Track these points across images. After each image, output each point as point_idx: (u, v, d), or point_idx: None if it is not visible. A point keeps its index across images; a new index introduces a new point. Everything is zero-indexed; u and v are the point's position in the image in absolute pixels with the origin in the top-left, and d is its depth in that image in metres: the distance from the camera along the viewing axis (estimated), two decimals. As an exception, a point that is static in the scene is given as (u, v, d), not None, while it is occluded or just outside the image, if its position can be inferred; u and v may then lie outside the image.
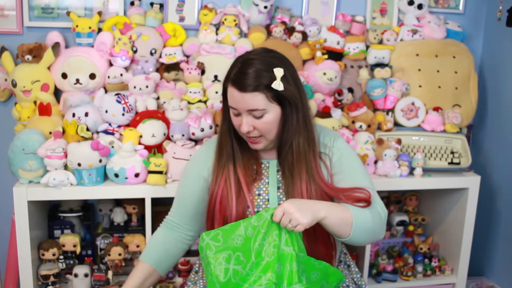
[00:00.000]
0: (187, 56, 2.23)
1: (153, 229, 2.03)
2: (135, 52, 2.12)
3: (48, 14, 2.16)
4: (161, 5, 2.21)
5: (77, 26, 2.08)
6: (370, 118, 2.22)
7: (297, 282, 1.24)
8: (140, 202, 2.08)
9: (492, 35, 2.55)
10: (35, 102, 2.04)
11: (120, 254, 2.04)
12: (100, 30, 2.13)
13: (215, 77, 2.16)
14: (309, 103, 2.13)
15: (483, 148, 2.60)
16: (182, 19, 2.25)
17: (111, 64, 2.11)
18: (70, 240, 2.04)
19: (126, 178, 1.90)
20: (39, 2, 2.14)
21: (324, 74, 2.21)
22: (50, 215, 2.15)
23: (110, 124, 2.00)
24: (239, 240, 1.30)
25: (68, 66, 2.05)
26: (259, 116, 1.39)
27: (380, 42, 2.37)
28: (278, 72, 1.37)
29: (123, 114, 1.98)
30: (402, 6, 2.42)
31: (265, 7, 2.20)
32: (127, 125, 2.01)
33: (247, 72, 1.36)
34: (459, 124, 2.29)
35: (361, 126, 2.22)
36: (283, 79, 1.37)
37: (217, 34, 2.22)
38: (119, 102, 1.97)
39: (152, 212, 1.96)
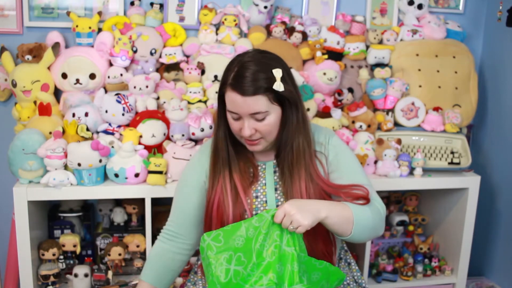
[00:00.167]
0: (187, 56, 2.23)
1: (153, 229, 2.03)
2: (135, 52, 2.12)
3: (48, 14, 2.16)
4: (161, 5, 2.21)
5: (77, 26, 2.08)
6: (370, 118, 2.22)
7: (298, 283, 1.24)
8: (140, 202, 2.08)
9: (492, 35, 2.55)
10: (35, 102, 2.04)
11: (120, 254, 2.04)
12: (100, 30, 2.13)
13: (215, 77, 2.16)
14: (309, 103, 2.16)
15: (483, 148, 2.60)
16: (182, 19, 2.25)
17: (111, 64, 2.11)
18: (70, 240, 2.04)
19: (126, 178, 1.90)
20: (39, 2, 2.14)
21: (324, 74, 2.21)
22: (50, 215, 2.15)
23: (110, 124, 2.00)
24: (240, 241, 1.30)
25: (68, 66, 2.05)
26: (261, 118, 1.38)
27: (380, 42, 2.37)
28: (277, 73, 1.36)
29: (123, 114, 1.98)
30: (402, 6, 2.42)
31: (265, 7, 2.20)
32: (127, 125, 2.01)
33: (246, 75, 1.34)
34: (459, 124, 2.29)
35: (361, 126, 2.22)
36: (282, 79, 1.36)
37: (217, 34, 2.22)
38: (119, 102, 1.97)
39: (152, 212, 1.96)
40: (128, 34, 2.10)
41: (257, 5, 2.20)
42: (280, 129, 1.44)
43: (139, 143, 1.96)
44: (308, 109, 2.15)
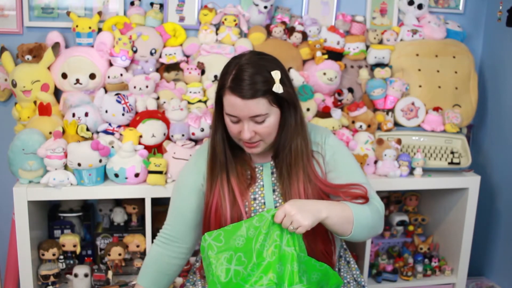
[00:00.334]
0: (187, 56, 2.23)
1: (153, 229, 2.03)
2: (135, 52, 2.12)
3: (48, 14, 2.16)
4: (161, 5, 2.21)
5: (77, 26, 2.08)
6: (370, 118, 2.22)
7: (298, 283, 1.24)
8: (140, 202, 2.08)
9: (492, 35, 2.55)
10: (35, 102, 2.04)
11: (120, 254, 2.04)
12: (100, 30, 2.13)
13: (215, 77, 2.16)
14: (309, 103, 2.16)
15: (483, 148, 2.60)
16: (182, 19, 2.25)
17: (111, 64, 2.11)
18: (70, 240, 2.04)
19: (126, 178, 1.90)
20: (39, 2, 2.14)
21: (324, 74, 2.21)
22: (50, 215, 2.15)
23: (110, 124, 2.00)
24: (241, 241, 1.30)
25: (68, 66, 2.05)
26: (261, 121, 1.38)
27: (380, 42, 2.37)
28: (276, 75, 1.36)
29: (123, 114, 1.98)
30: (402, 6, 2.42)
31: (265, 7, 2.20)
32: (127, 125, 2.01)
33: (245, 78, 1.33)
34: (459, 124, 2.29)
35: (361, 126, 2.22)
36: (280, 81, 1.36)
37: (217, 34, 2.22)
38: (119, 102, 1.97)
39: (152, 212, 1.96)
40: (128, 34, 2.10)
41: (257, 5, 2.20)
42: (279, 131, 1.44)
43: (139, 143, 1.96)
44: (308, 109, 2.15)
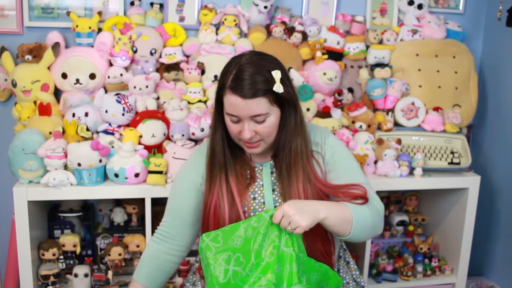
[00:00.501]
0: (187, 56, 2.23)
1: (153, 229, 2.03)
2: (135, 52, 2.12)
3: (48, 14, 2.16)
4: (161, 5, 2.21)
5: (77, 26, 2.08)
6: (370, 118, 2.22)
7: (297, 283, 1.24)
8: (140, 202, 2.08)
9: (492, 35, 2.55)
10: (35, 102, 2.04)
11: (120, 254, 2.04)
12: (100, 30, 2.13)
13: (215, 77, 2.16)
14: (309, 103, 2.16)
15: (483, 148, 2.60)
16: (182, 19, 2.25)
17: (111, 64, 2.11)
18: (70, 240, 2.04)
19: (126, 178, 1.90)
20: (39, 2, 2.14)
21: (324, 74, 2.21)
22: (50, 215, 2.15)
23: (110, 124, 2.00)
24: (239, 241, 1.30)
25: (68, 66, 2.05)
26: (262, 121, 1.38)
27: (380, 42, 2.37)
28: (276, 74, 1.36)
29: (123, 114, 1.98)
30: (402, 6, 2.42)
31: (265, 7, 2.20)
32: (127, 125, 2.01)
33: (246, 78, 1.33)
34: (459, 124, 2.29)
35: (361, 126, 2.22)
36: (281, 81, 1.36)
37: (217, 34, 2.22)
38: (119, 102, 1.97)
39: (152, 212, 1.96)
40: (128, 34, 2.10)
41: (257, 5, 2.20)
42: (279, 131, 1.44)
43: (139, 143, 1.96)
44: (308, 109, 2.15)
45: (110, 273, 2.02)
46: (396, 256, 2.42)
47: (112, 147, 1.92)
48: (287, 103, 1.41)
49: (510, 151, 2.43)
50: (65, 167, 1.88)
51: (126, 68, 2.12)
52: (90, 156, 1.84)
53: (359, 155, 2.11)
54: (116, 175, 1.89)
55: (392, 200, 2.50)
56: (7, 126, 2.16)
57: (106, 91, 2.07)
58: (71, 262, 2.09)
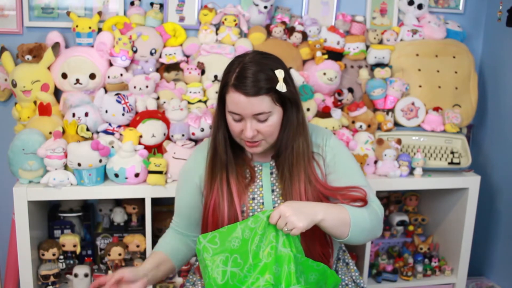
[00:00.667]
0: (187, 56, 2.23)
1: (153, 229, 2.03)
2: (135, 52, 2.12)
3: (48, 14, 2.16)
4: (161, 5, 2.21)
5: (77, 26, 2.08)
6: (370, 118, 2.22)
7: (296, 283, 1.24)
8: (140, 202, 2.09)
9: (492, 35, 2.55)
10: (35, 102, 2.04)
11: (120, 254, 2.04)
12: (100, 30, 2.13)
13: (215, 77, 2.16)
14: (309, 103, 2.16)
15: (483, 148, 2.60)
16: (182, 19, 2.25)
17: (111, 64, 2.11)
18: (70, 240, 2.04)
19: (126, 178, 1.90)
20: (39, 2, 2.14)
21: (324, 74, 2.21)
22: (50, 215, 2.15)
23: (110, 124, 2.00)
24: (236, 242, 1.29)
25: (68, 66, 2.05)
26: (264, 119, 1.38)
27: (380, 42, 2.37)
28: (280, 73, 1.36)
29: (123, 114, 1.98)
30: (402, 6, 2.42)
31: (265, 7, 2.20)
32: (127, 125, 2.01)
33: (249, 76, 1.34)
34: (459, 124, 2.30)
35: (361, 126, 2.22)
36: (284, 80, 1.37)
37: (217, 34, 2.22)
38: (119, 102, 1.97)
39: (152, 212, 1.96)
40: (128, 34, 2.10)
41: (257, 5, 2.20)
42: (280, 131, 1.44)
43: (139, 143, 1.96)
44: (308, 109, 2.15)
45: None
46: (396, 256, 2.42)
47: (112, 147, 1.92)
48: (290, 102, 1.41)
49: (510, 151, 2.43)
50: (65, 167, 1.88)
51: (126, 68, 2.12)
52: (90, 156, 1.84)
53: (359, 155, 2.11)
54: (116, 175, 1.89)
55: (392, 200, 2.50)
56: (7, 126, 2.16)
57: (106, 91, 2.07)
58: (71, 262, 2.09)
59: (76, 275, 2.00)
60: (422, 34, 2.38)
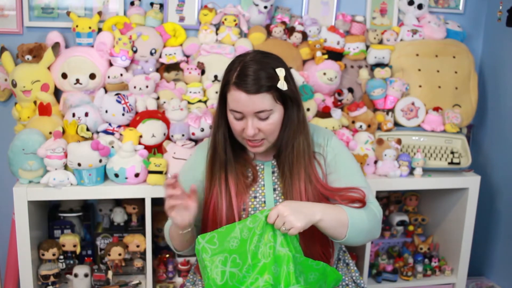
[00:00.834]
0: (187, 56, 2.23)
1: (153, 229, 2.03)
2: (135, 52, 2.12)
3: (48, 14, 2.16)
4: (161, 5, 2.21)
5: (77, 26, 2.08)
6: (370, 118, 2.22)
7: (295, 283, 1.24)
8: (140, 202, 2.08)
9: (492, 35, 2.55)
10: (35, 102, 2.04)
11: (120, 254, 2.04)
12: (100, 30, 2.13)
13: (215, 77, 2.16)
14: (309, 103, 2.16)
15: (483, 148, 2.60)
16: (182, 19, 2.25)
17: (111, 64, 2.11)
18: (70, 240, 2.04)
19: (126, 178, 1.90)
20: (39, 2, 2.14)
21: (324, 74, 2.21)
22: (50, 215, 2.15)
23: (110, 124, 2.00)
24: (235, 242, 1.29)
25: (68, 66, 2.05)
26: (265, 117, 1.38)
27: (380, 42, 2.37)
28: (281, 72, 1.37)
29: (123, 114, 1.98)
30: (402, 6, 2.42)
31: (265, 7, 2.20)
32: (127, 125, 2.01)
33: (250, 74, 1.35)
34: (459, 124, 2.29)
35: (361, 126, 2.22)
36: (284, 78, 1.37)
37: (217, 34, 2.22)
38: (119, 102, 1.97)
39: (152, 212, 1.96)
40: (128, 34, 2.10)
41: (257, 5, 2.20)
42: (281, 129, 1.44)
43: (139, 143, 1.96)
44: (308, 109, 2.15)
45: (110, 273, 2.02)
46: (396, 256, 2.42)
47: (112, 147, 1.92)
48: (291, 101, 1.41)
49: (510, 151, 2.43)
50: (65, 167, 1.88)
51: (126, 68, 2.12)
52: (90, 156, 1.84)
53: (359, 155, 2.11)
54: (116, 175, 1.89)
55: (392, 200, 2.50)
56: (7, 126, 2.16)
57: (106, 91, 2.07)
58: (71, 262, 2.09)
59: (76, 275, 2.00)
60: (422, 34, 2.38)
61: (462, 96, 2.37)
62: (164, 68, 2.17)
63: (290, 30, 2.26)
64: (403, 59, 2.34)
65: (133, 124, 2.00)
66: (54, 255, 2.00)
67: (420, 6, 2.40)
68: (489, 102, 2.55)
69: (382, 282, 2.29)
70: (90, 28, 2.08)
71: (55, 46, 2.05)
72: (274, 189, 1.49)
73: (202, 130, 2.01)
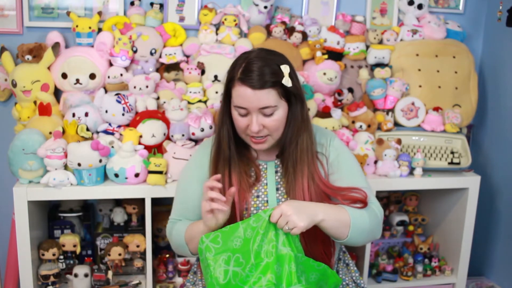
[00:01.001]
0: (187, 56, 2.23)
1: (153, 229, 2.03)
2: (135, 52, 2.12)
3: (48, 14, 2.16)
4: (161, 5, 2.21)
5: (77, 26, 2.08)
6: (370, 118, 2.22)
7: (297, 283, 1.24)
8: (140, 202, 2.08)
9: (492, 35, 2.55)
10: (35, 102, 2.04)
11: (120, 254, 2.04)
12: (100, 30, 2.13)
13: (215, 77, 2.16)
14: (309, 103, 2.16)
15: (483, 148, 2.60)
16: (182, 19, 2.25)
17: (111, 64, 2.11)
18: (70, 240, 2.04)
19: (126, 178, 1.90)
20: (39, 2, 2.14)
21: (324, 74, 2.21)
22: (50, 215, 2.15)
23: (110, 124, 2.00)
24: (238, 242, 1.30)
25: (68, 66, 2.05)
26: (270, 114, 1.39)
27: (380, 42, 2.37)
28: (285, 68, 1.38)
29: (123, 114, 1.98)
30: (402, 6, 2.42)
31: (265, 7, 2.20)
32: (127, 125, 2.01)
33: (255, 69, 1.35)
34: (459, 124, 2.29)
35: (361, 126, 2.22)
36: (289, 75, 1.38)
37: (217, 34, 2.22)
38: (119, 102, 1.97)
39: (152, 212, 1.96)
40: (128, 34, 2.10)
41: (257, 5, 2.20)
42: (285, 126, 1.45)
43: (139, 143, 1.96)
44: (308, 109, 2.14)
45: (110, 273, 2.02)
46: (396, 256, 2.42)
47: (112, 147, 1.92)
48: (295, 98, 1.42)
49: (510, 151, 2.43)
50: (65, 167, 1.88)
51: (126, 68, 2.12)
52: (90, 156, 1.84)
53: (359, 155, 2.11)
54: (116, 175, 1.89)
55: (392, 200, 2.50)
56: (7, 126, 2.16)
57: (106, 91, 2.07)
58: (71, 262, 2.09)
59: (76, 275, 2.00)
60: (422, 34, 2.38)
61: (462, 96, 2.37)
62: (164, 68, 2.17)
63: (290, 30, 2.27)
64: (403, 59, 2.34)
65: (133, 124, 2.00)
66: (54, 255, 2.00)
67: (420, 6, 2.40)
68: (489, 102, 2.55)
69: (382, 282, 2.29)
70: (90, 28, 2.08)
71: (55, 46, 2.05)
72: (277, 189, 1.50)
73: (202, 130, 2.01)
